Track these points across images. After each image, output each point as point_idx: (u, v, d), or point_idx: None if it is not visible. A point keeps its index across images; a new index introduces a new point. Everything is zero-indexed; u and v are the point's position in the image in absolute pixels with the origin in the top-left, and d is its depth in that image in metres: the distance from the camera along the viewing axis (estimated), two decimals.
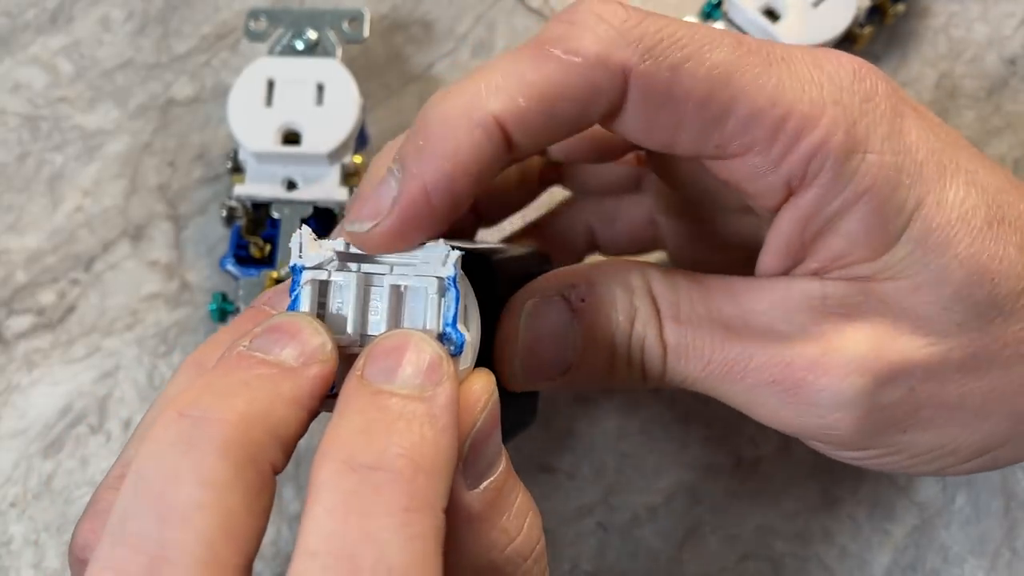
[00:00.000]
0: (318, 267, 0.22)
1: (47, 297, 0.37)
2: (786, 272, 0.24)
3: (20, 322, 0.36)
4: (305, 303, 0.21)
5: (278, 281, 0.34)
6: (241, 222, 0.35)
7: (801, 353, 0.23)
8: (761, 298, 0.24)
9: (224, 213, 0.35)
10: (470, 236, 0.31)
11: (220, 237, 0.37)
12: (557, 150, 0.29)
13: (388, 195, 0.21)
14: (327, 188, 0.35)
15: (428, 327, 0.21)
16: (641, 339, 0.24)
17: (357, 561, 0.17)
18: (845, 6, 0.37)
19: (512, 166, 0.25)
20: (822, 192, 0.22)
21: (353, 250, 0.22)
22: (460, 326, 0.21)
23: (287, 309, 0.22)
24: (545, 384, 0.25)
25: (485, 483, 0.21)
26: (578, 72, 0.21)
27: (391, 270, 0.21)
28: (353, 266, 0.22)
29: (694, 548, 0.33)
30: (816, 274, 0.24)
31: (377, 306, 0.22)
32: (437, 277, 0.21)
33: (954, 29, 0.40)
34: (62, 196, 0.38)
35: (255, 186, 0.35)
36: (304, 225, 0.22)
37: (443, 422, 0.19)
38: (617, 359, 0.25)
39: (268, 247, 0.35)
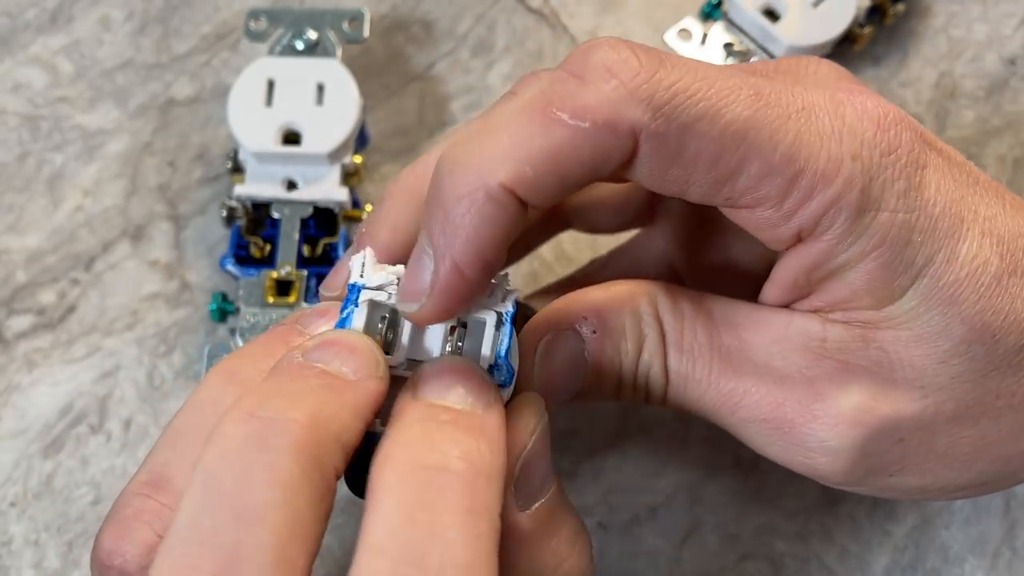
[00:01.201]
0: (379, 288, 0.22)
1: (47, 297, 0.37)
2: (789, 305, 0.24)
3: (20, 322, 0.36)
4: (359, 321, 0.22)
5: (278, 281, 0.34)
6: (241, 222, 0.35)
7: (794, 396, 0.23)
8: (762, 332, 0.24)
9: (224, 213, 0.35)
10: None
11: (220, 237, 0.37)
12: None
13: (425, 274, 0.21)
14: (327, 188, 0.35)
15: (483, 355, 0.22)
16: (647, 367, 0.25)
17: (425, 557, 0.18)
18: (845, 6, 0.37)
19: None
20: (831, 245, 0.22)
21: None
22: (511, 359, 0.22)
23: (336, 326, 0.22)
24: (551, 408, 0.26)
25: (536, 504, 0.22)
26: (586, 137, 0.21)
27: None
28: None
29: (694, 548, 0.33)
30: (818, 311, 0.24)
31: (433, 332, 0.23)
32: (497, 312, 0.22)
33: (954, 29, 0.40)
34: (62, 196, 0.38)
35: (255, 186, 0.35)
36: (368, 248, 0.23)
37: (493, 436, 0.20)
38: (623, 384, 0.25)
39: (268, 247, 0.35)
